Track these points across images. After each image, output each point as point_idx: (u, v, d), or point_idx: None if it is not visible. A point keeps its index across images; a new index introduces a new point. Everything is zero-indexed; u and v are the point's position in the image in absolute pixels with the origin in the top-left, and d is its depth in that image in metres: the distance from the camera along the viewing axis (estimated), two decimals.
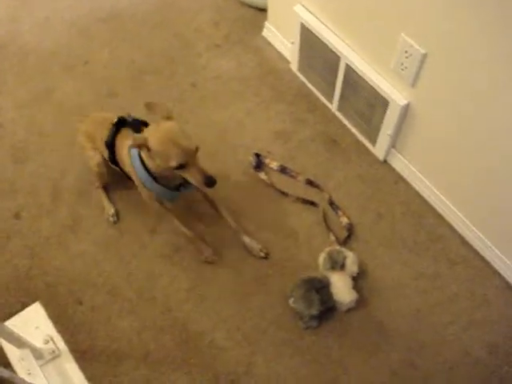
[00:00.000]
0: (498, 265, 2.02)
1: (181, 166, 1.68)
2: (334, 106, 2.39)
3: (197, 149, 1.70)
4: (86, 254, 2.12)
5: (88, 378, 1.87)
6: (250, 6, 2.84)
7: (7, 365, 1.87)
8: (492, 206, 1.91)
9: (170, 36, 2.76)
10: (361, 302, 1.97)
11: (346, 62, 2.11)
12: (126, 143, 1.86)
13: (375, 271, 2.05)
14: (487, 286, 2.01)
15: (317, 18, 2.21)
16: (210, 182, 1.70)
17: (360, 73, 2.07)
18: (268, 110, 2.48)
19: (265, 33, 2.72)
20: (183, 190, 1.91)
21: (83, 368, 1.89)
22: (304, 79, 2.53)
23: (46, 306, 2.01)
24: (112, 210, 2.20)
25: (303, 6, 2.25)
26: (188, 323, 1.96)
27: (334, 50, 2.14)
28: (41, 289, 2.05)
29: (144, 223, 2.18)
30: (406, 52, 1.82)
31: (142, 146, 1.69)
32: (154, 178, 1.83)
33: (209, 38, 2.76)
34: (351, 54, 2.10)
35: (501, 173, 1.77)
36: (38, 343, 1.90)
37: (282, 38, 2.60)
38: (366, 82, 2.06)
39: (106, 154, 2.01)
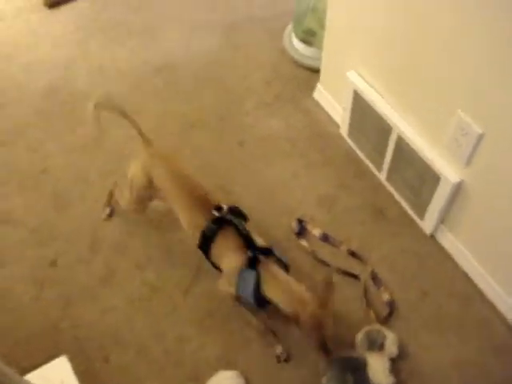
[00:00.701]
0: None
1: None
2: (382, 175, 2.33)
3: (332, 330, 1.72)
4: (117, 308, 2.08)
5: None
6: (305, 67, 2.83)
7: None
8: None
9: (222, 92, 2.76)
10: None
11: (398, 132, 2.06)
12: (226, 246, 1.86)
13: (416, 353, 1.94)
14: None
15: (370, 85, 2.17)
16: (328, 353, 1.76)
17: (412, 145, 2.01)
18: (314, 174, 2.43)
19: (316, 95, 2.70)
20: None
21: None
22: (353, 145, 2.48)
23: (73, 361, 1.96)
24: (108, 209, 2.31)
25: (357, 72, 2.22)
26: None
27: (387, 119, 2.10)
28: (69, 341, 2.01)
29: (178, 283, 2.13)
30: (463, 130, 1.76)
31: (293, 319, 1.74)
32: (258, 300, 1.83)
33: (260, 96, 2.75)
34: (404, 126, 2.04)
35: None
36: None
37: (333, 102, 2.57)
38: (418, 154, 2.00)
39: (189, 228, 1.95)
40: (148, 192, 2.03)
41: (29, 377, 1.84)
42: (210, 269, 2.11)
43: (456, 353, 1.94)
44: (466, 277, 2.10)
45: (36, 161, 2.54)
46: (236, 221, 1.85)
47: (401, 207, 2.30)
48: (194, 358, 1.96)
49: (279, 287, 1.78)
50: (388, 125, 2.10)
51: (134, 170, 2.03)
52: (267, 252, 1.84)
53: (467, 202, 1.94)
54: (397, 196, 2.30)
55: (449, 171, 1.91)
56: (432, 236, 2.20)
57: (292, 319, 1.74)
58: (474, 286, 2.08)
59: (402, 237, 2.23)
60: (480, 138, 1.71)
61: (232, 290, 1.87)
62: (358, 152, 2.46)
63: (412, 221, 2.26)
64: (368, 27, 2.08)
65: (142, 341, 2.00)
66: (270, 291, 1.79)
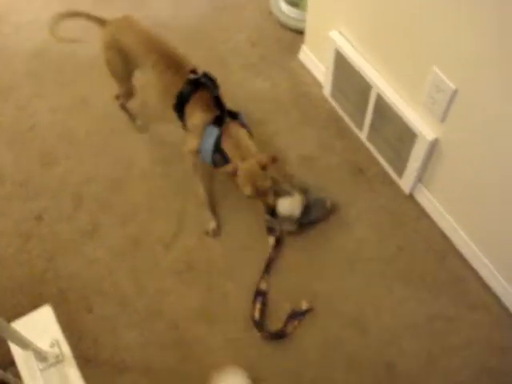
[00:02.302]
0: None
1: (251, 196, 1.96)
2: (363, 135, 2.36)
3: (271, 187, 1.98)
4: (101, 261, 2.13)
5: None
6: (290, 29, 2.84)
7: (12, 364, 1.88)
8: None
9: (208, 53, 2.77)
10: (369, 339, 1.93)
11: (378, 91, 2.08)
12: (199, 107, 2.00)
13: (389, 307, 2.00)
14: (505, 335, 1.93)
15: (352, 44, 2.18)
16: (271, 213, 2.02)
17: (390, 103, 2.03)
18: (297, 133, 2.46)
19: (301, 56, 2.71)
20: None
21: (85, 375, 1.88)
22: (336, 105, 2.50)
23: (56, 310, 2.01)
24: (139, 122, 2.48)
25: (339, 32, 2.23)
26: (193, 342, 1.95)
27: (366, 78, 2.11)
28: (53, 293, 2.07)
29: (160, 237, 2.18)
30: (437, 86, 1.78)
31: (231, 173, 1.94)
32: (214, 160, 2.05)
33: (245, 57, 2.76)
34: (383, 84, 2.06)
35: None
36: (44, 346, 1.91)
37: (317, 62, 2.58)
38: (396, 113, 2.02)
39: (160, 95, 2.12)
40: (126, 67, 2.18)
41: (13, 325, 1.90)
42: (191, 225, 2.18)
43: (428, 308, 1.99)
44: (441, 234, 2.14)
45: (24, 119, 2.57)
46: (209, 83, 2.01)
47: (380, 166, 2.33)
48: (173, 308, 2.02)
49: (234, 142, 1.98)
50: (368, 83, 2.12)
51: (104, 54, 2.19)
52: (234, 116, 2.05)
53: (443, 159, 1.97)
54: (377, 155, 2.33)
55: (425, 129, 1.94)
56: (410, 194, 2.23)
57: (232, 173, 1.94)
58: (450, 243, 2.12)
59: (381, 195, 2.26)
60: (454, 94, 1.73)
61: (195, 143, 2.05)
62: (340, 112, 2.48)
63: (391, 179, 2.29)
64: None
65: (124, 292, 2.06)
66: (226, 144, 1.98)
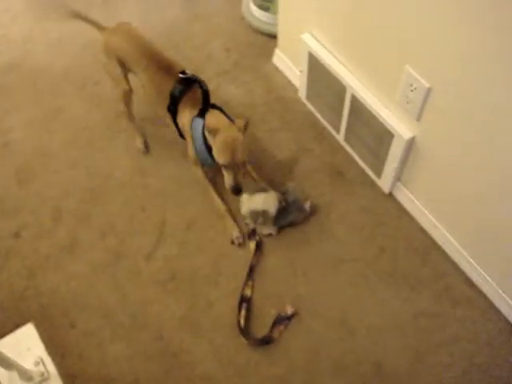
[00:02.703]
0: (503, 307, 1.95)
1: (225, 166, 2.01)
2: (340, 137, 2.36)
3: (244, 162, 2.03)
4: (81, 276, 2.10)
5: None
6: (263, 33, 2.84)
7: None
8: (498, 246, 1.85)
9: (182, 60, 2.74)
10: (355, 340, 1.93)
11: (352, 92, 2.08)
12: (190, 105, 2.12)
13: (373, 308, 2.00)
14: (490, 329, 1.93)
15: (324, 47, 2.19)
16: (236, 190, 2.04)
17: (366, 104, 2.04)
18: (274, 138, 2.46)
19: (275, 60, 2.71)
20: None
21: None
22: (312, 108, 2.51)
23: (39, 328, 1.98)
24: (140, 140, 2.46)
25: (312, 34, 2.23)
26: (179, 352, 1.92)
27: (341, 79, 2.12)
28: (35, 310, 2.03)
29: (140, 248, 2.16)
30: (411, 85, 1.79)
31: (212, 132, 2.00)
32: (207, 146, 2.10)
33: (219, 63, 2.76)
34: (357, 85, 2.07)
35: (509, 212, 1.72)
36: (29, 365, 1.88)
37: (291, 66, 2.59)
38: (372, 113, 2.03)
39: (156, 98, 2.21)
40: (121, 70, 2.26)
41: None
42: (171, 234, 2.17)
43: (413, 306, 1.99)
44: (422, 232, 2.15)
45: None
46: (199, 79, 2.14)
47: (359, 167, 2.33)
48: (157, 319, 1.99)
49: (215, 120, 2.06)
50: (342, 85, 2.13)
51: (104, 58, 2.28)
52: (220, 109, 2.15)
53: (420, 157, 1.98)
54: (355, 156, 2.34)
55: (401, 128, 1.95)
56: (390, 194, 2.25)
57: (214, 132, 2.00)
58: (431, 240, 2.13)
59: (361, 196, 2.27)
60: (428, 92, 1.75)
61: (193, 152, 2.18)
62: (317, 115, 2.49)
63: (370, 180, 2.30)
64: None
65: (107, 306, 2.03)
66: (207, 120, 2.05)
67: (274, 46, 2.69)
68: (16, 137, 2.53)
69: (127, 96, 2.35)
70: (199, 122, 2.08)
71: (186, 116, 2.13)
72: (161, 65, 2.15)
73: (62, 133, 2.53)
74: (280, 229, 2.16)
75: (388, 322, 1.96)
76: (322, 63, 2.19)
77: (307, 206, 2.15)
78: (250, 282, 2.05)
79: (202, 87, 2.12)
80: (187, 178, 2.35)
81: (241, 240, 2.15)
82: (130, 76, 2.29)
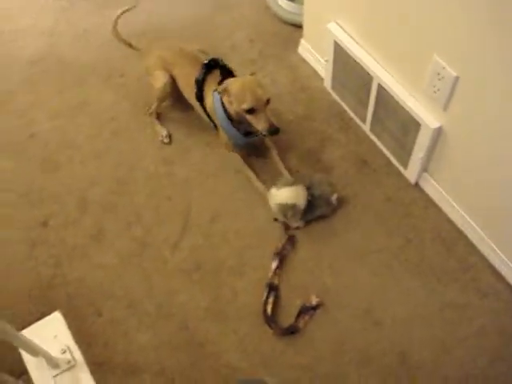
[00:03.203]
0: None
1: (252, 111, 2.02)
2: (366, 126, 2.34)
3: (268, 100, 2.04)
4: (108, 266, 2.12)
5: None
6: (288, 23, 2.83)
7: (24, 372, 1.88)
8: None
9: (207, 50, 2.76)
10: (381, 331, 1.91)
11: (379, 81, 2.06)
12: (213, 86, 2.19)
13: (399, 298, 1.98)
14: None
15: (350, 36, 2.17)
16: (274, 130, 2.04)
17: (392, 93, 2.02)
18: (299, 128, 2.44)
19: (300, 50, 2.70)
20: (251, 137, 2.25)
21: (97, 380, 1.87)
22: (337, 98, 2.49)
23: (66, 316, 2.00)
24: (165, 132, 2.47)
25: (337, 23, 2.22)
26: (204, 342, 1.93)
27: (367, 69, 2.10)
28: (62, 298, 2.06)
29: (166, 238, 2.17)
30: (439, 74, 1.77)
31: (224, 91, 2.07)
32: (231, 120, 2.17)
33: (244, 53, 2.75)
34: (384, 74, 2.05)
35: None
36: (55, 353, 1.90)
37: (316, 56, 2.57)
38: (398, 103, 2.01)
39: (187, 89, 2.34)
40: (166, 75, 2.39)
41: (24, 332, 1.90)
42: (196, 224, 2.17)
43: (439, 297, 1.97)
44: (449, 223, 2.13)
45: (23, 126, 2.56)
46: (216, 58, 2.26)
47: (385, 157, 2.31)
48: (183, 309, 2.00)
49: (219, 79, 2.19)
50: (368, 74, 2.11)
51: (151, 71, 2.43)
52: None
53: (447, 147, 1.95)
54: (381, 146, 2.32)
55: (428, 117, 1.92)
56: (416, 184, 2.22)
57: (224, 89, 2.08)
58: (458, 231, 2.10)
59: (387, 186, 2.25)
60: (455, 81, 1.72)
61: (223, 134, 2.26)
62: (342, 104, 2.47)
63: (396, 170, 2.28)
64: None
65: (133, 295, 2.05)
66: (217, 86, 2.14)
67: (300, 36, 2.67)
68: (42, 128, 2.55)
69: (166, 90, 2.42)
70: (216, 95, 2.16)
71: (209, 99, 2.22)
72: (191, 59, 2.31)
73: (88, 124, 2.55)
74: (307, 222, 2.16)
75: (414, 313, 1.94)
76: (348, 52, 2.18)
77: (334, 198, 2.13)
78: (278, 272, 2.05)
79: (218, 64, 2.23)
80: (212, 167, 2.36)
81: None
82: None
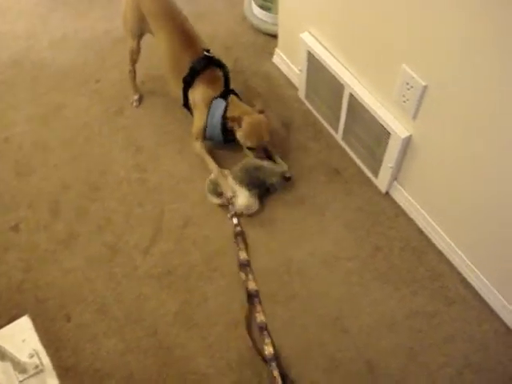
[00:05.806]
0: (498, 308, 1.95)
1: (252, 148, 2.24)
2: (338, 136, 2.37)
3: (268, 142, 2.27)
4: (78, 270, 2.12)
5: None
6: (264, 33, 2.85)
7: None
8: (494, 246, 1.84)
9: None
10: (349, 338, 1.92)
11: (350, 91, 2.09)
12: (206, 80, 2.27)
13: (368, 306, 1.99)
14: (486, 330, 1.93)
15: (323, 46, 2.20)
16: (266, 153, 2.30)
17: (363, 103, 2.05)
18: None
19: (275, 59, 2.72)
20: (230, 142, 2.34)
21: None
22: (310, 107, 2.51)
23: (35, 320, 2.00)
24: (136, 96, 2.61)
25: (310, 33, 2.24)
26: (173, 347, 1.93)
27: (339, 78, 2.13)
28: (31, 303, 2.05)
29: (137, 244, 2.17)
30: (407, 84, 1.79)
31: (234, 121, 2.21)
32: (225, 130, 2.27)
33: None
34: (355, 84, 2.08)
35: (505, 213, 1.71)
36: (23, 357, 1.89)
37: (291, 65, 2.60)
38: (369, 112, 2.03)
39: (169, 62, 2.33)
40: (140, 27, 2.36)
41: None
42: (168, 230, 2.18)
43: (407, 305, 1.99)
44: (419, 231, 2.15)
45: None
46: (221, 63, 2.31)
47: (356, 166, 2.34)
48: (152, 314, 2.00)
49: (237, 108, 2.25)
50: (340, 84, 2.13)
51: (124, 8, 2.36)
52: (237, 95, 2.34)
53: (416, 156, 1.98)
54: (352, 155, 2.34)
55: (398, 126, 1.95)
56: (387, 193, 2.25)
57: (238, 121, 2.20)
58: (427, 240, 2.13)
59: (358, 195, 2.27)
60: (424, 90, 1.75)
61: (203, 118, 2.28)
62: (316, 113, 2.49)
63: (368, 179, 2.30)
64: None
65: (102, 300, 2.04)
66: (231, 111, 2.23)
67: (275, 45, 2.70)
68: (16, 132, 2.54)
69: (135, 55, 2.47)
70: (221, 102, 2.24)
71: (200, 92, 2.27)
72: (185, 35, 2.28)
73: (62, 128, 2.55)
74: (262, 203, 2.26)
75: (382, 321, 1.96)
76: (321, 62, 2.20)
77: (285, 170, 2.28)
78: (250, 276, 2.06)
79: (224, 70, 2.30)
80: (184, 174, 2.37)
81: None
82: None
